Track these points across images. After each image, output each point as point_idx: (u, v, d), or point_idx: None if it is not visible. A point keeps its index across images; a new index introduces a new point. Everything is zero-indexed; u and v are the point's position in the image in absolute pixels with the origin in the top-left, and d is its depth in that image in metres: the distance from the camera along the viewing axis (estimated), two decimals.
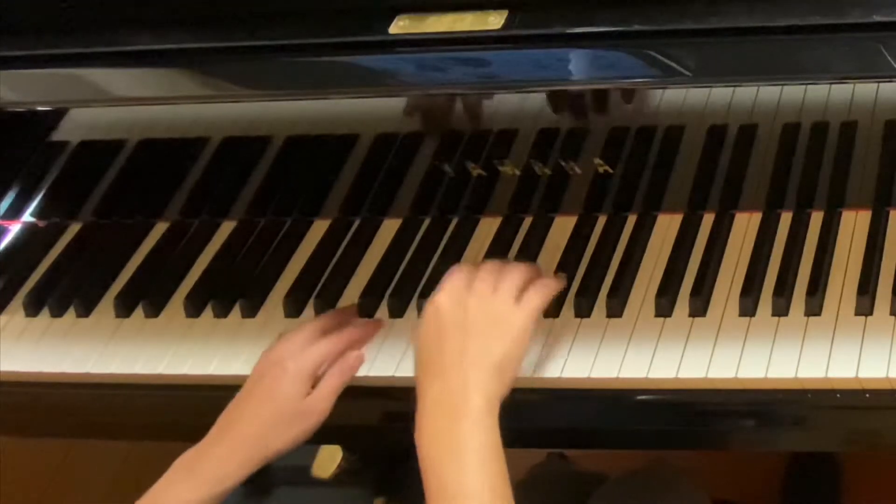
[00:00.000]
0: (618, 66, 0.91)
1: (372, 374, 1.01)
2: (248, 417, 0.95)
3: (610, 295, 1.03)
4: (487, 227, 1.13)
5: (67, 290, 1.14)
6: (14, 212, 1.21)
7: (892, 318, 0.97)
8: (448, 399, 0.88)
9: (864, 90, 1.00)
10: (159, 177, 1.19)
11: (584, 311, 1.03)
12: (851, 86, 1.00)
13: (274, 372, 0.96)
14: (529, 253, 1.09)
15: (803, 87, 1.01)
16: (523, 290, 0.94)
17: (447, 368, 0.89)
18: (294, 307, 1.08)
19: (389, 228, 1.14)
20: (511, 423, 0.93)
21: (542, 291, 0.95)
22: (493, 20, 0.90)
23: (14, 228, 1.22)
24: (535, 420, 1.02)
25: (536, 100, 1.07)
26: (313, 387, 0.97)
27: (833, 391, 0.95)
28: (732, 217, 1.09)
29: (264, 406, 0.95)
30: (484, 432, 0.86)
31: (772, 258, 1.04)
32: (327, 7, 0.94)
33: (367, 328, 1.04)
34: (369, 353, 1.02)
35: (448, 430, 0.86)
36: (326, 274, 1.11)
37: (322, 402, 0.96)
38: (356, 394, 1.01)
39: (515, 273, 0.95)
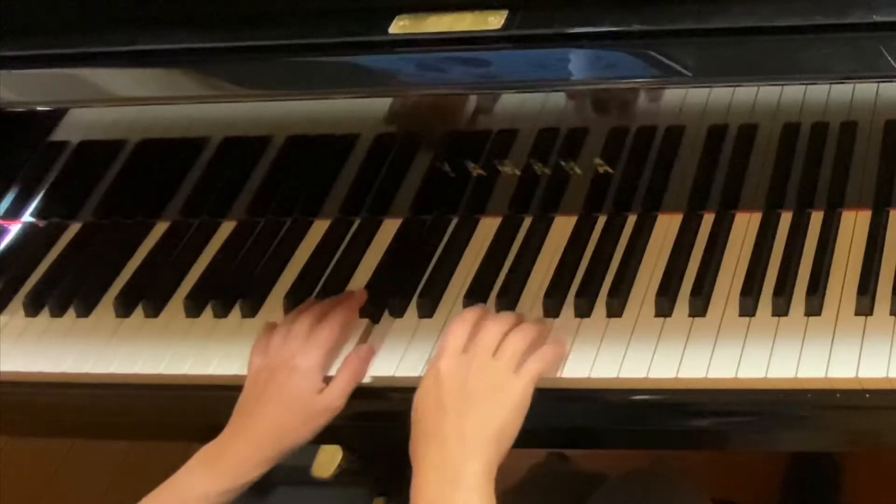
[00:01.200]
0: (618, 66, 0.91)
1: (372, 374, 1.01)
2: (265, 417, 0.97)
3: (610, 295, 1.03)
4: (487, 227, 1.13)
5: (67, 290, 1.14)
6: (14, 212, 1.21)
7: (892, 318, 0.97)
8: (445, 466, 0.88)
9: (864, 90, 1.00)
10: (159, 177, 1.19)
11: (584, 311, 1.03)
12: (851, 86, 1.00)
13: (283, 372, 0.98)
14: (529, 253, 1.09)
15: (803, 87, 1.01)
16: (525, 353, 0.95)
17: (446, 436, 0.89)
18: (294, 307, 1.08)
19: (389, 228, 1.14)
20: None
21: (543, 360, 0.95)
22: (493, 20, 0.90)
23: (14, 228, 1.22)
24: (536, 420, 1.02)
25: (536, 100, 1.07)
26: (325, 379, 0.99)
27: (833, 391, 0.95)
28: (732, 217, 1.09)
29: (284, 405, 0.97)
30: (480, 501, 0.87)
31: (772, 258, 1.04)
32: (327, 7, 0.94)
33: (352, 299, 1.06)
34: None
35: (444, 497, 0.87)
36: (326, 274, 1.11)
37: (337, 399, 0.99)
38: (356, 394, 1.01)
39: (517, 337, 0.95)
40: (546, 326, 1.00)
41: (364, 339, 1.04)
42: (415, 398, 0.93)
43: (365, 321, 1.06)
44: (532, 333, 0.97)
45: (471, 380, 0.92)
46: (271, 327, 1.03)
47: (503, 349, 0.94)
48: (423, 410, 0.92)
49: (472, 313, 0.98)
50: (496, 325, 0.96)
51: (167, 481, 0.95)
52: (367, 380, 1.01)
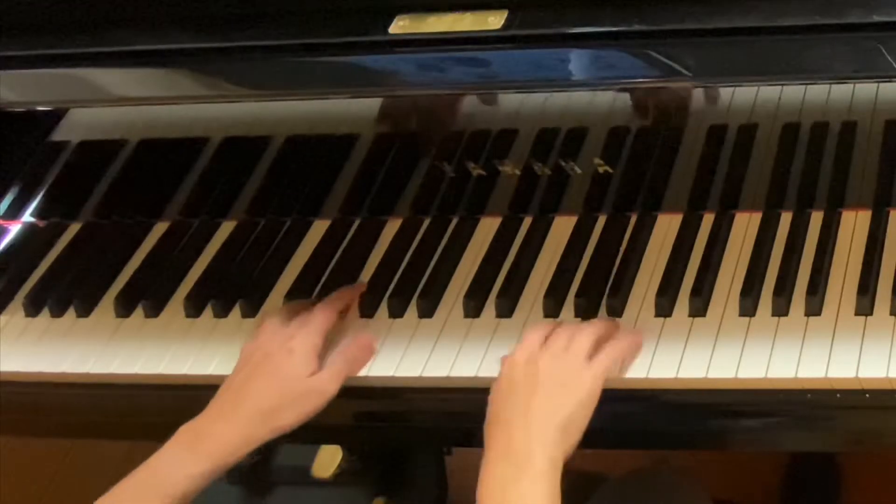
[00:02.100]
0: (618, 66, 0.91)
1: (372, 374, 1.01)
2: (254, 396, 0.96)
3: (610, 295, 1.03)
4: (487, 227, 1.13)
5: (67, 290, 1.14)
6: (14, 212, 1.21)
7: (892, 318, 0.97)
8: (511, 454, 0.88)
9: (864, 90, 1.00)
10: (159, 177, 1.19)
11: (584, 311, 1.03)
12: (851, 86, 1.00)
13: (279, 353, 0.97)
14: (529, 253, 1.09)
15: (803, 87, 1.01)
16: (597, 349, 0.95)
17: (513, 424, 0.90)
18: None
19: (389, 228, 1.14)
20: None
21: (615, 354, 0.96)
22: (493, 20, 0.90)
23: (14, 228, 1.22)
24: None
25: (536, 100, 1.07)
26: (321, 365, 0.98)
27: (833, 391, 0.95)
28: (732, 217, 1.09)
29: (272, 385, 0.96)
30: (543, 492, 0.87)
31: (772, 258, 1.04)
32: (327, 7, 0.94)
33: (351, 289, 1.07)
34: None
35: (508, 485, 0.87)
36: (326, 274, 1.11)
37: (330, 383, 0.98)
38: (356, 394, 1.01)
39: (590, 331, 0.96)
40: (617, 325, 1.00)
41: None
42: (492, 387, 0.93)
43: (365, 321, 1.06)
44: (603, 328, 0.97)
45: (541, 370, 0.92)
46: (268, 313, 1.04)
47: (574, 343, 0.95)
48: (495, 397, 0.92)
49: (550, 323, 0.98)
50: (569, 327, 0.97)
51: (145, 464, 0.92)
52: (366, 377, 1.01)
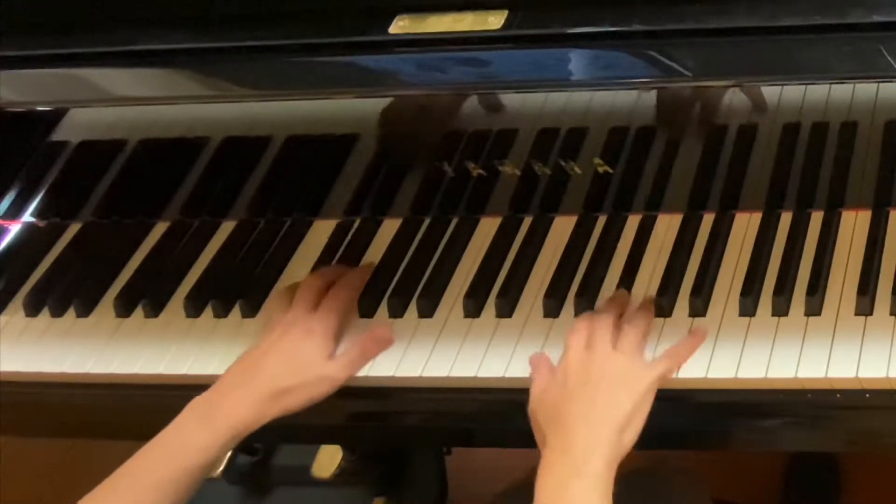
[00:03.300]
0: (618, 66, 0.91)
1: (372, 374, 1.01)
2: (269, 372, 0.95)
3: None
4: (487, 227, 1.13)
5: (67, 290, 1.14)
6: (14, 212, 1.21)
7: (892, 318, 0.97)
8: (571, 453, 0.88)
9: (864, 90, 1.00)
10: (159, 177, 1.19)
11: (584, 311, 1.03)
12: (851, 86, 1.00)
13: (298, 331, 0.97)
14: (529, 253, 1.09)
15: (803, 87, 1.01)
16: (642, 342, 0.96)
17: (573, 425, 0.89)
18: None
19: (389, 228, 1.14)
20: (512, 425, 0.93)
21: (675, 358, 0.96)
22: (493, 20, 0.90)
23: (14, 228, 1.22)
24: None
25: (536, 100, 1.07)
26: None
27: (833, 391, 0.95)
28: (732, 217, 1.09)
29: (288, 364, 0.96)
30: (598, 495, 0.87)
31: (772, 258, 1.04)
32: (327, 7, 0.94)
33: (360, 271, 1.07)
34: None
35: (565, 485, 0.87)
36: None
37: (343, 370, 0.98)
38: (356, 394, 1.01)
39: (633, 328, 0.97)
40: (650, 308, 1.00)
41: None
42: (532, 393, 0.93)
43: (365, 321, 1.06)
44: (643, 320, 0.98)
45: (595, 370, 0.92)
46: (288, 289, 1.04)
47: (622, 341, 0.95)
48: (547, 401, 0.92)
49: (585, 320, 0.98)
50: (606, 318, 0.97)
51: (159, 437, 0.92)
52: (366, 378, 1.01)
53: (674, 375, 0.96)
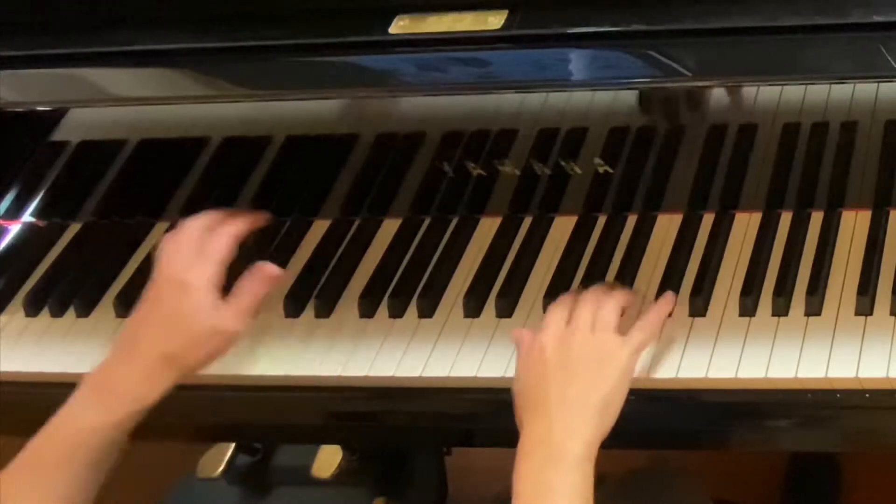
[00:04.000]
0: (618, 66, 0.91)
1: (372, 374, 1.01)
2: (156, 338, 0.90)
3: None
4: (487, 227, 1.13)
5: (67, 290, 1.14)
6: (14, 212, 1.21)
7: (892, 318, 0.97)
8: (549, 441, 0.87)
9: (864, 90, 1.00)
10: (159, 177, 1.19)
11: None
12: (851, 86, 1.00)
13: (174, 289, 0.91)
14: (529, 253, 1.09)
15: (803, 87, 1.01)
16: (624, 320, 0.94)
17: (550, 409, 0.88)
18: (294, 307, 1.08)
19: (389, 228, 1.14)
20: (512, 425, 0.93)
21: (646, 329, 0.94)
22: (493, 20, 0.90)
23: (14, 228, 1.22)
24: None
25: (536, 100, 1.07)
26: (225, 293, 0.93)
27: (833, 391, 0.95)
28: (732, 217, 1.09)
29: (174, 326, 0.91)
30: (578, 478, 0.86)
31: (772, 258, 1.04)
32: (327, 7, 0.94)
33: (252, 216, 0.99)
34: (369, 353, 1.02)
35: (543, 471, 0.86)
36: (326, 274, 1.11)
37: (233, 320, 0.93)
38: (356, 394, 1.01)
39: (613, 304, 0.94)
40: (637, 296, 0.99)
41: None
42: (516, 372, 0.92)
43: (365, 321, 1.06)
44: (624, 299, 0.96)
45: (574, 351, 0.90)
46: (167, 235, 0.96)
47: (601, 320, 0.93)
48: (527, 383, 0.91)
49: (566, 297, 0.96)
50: (590, 297, 0.95)
51: (55, 417, 0.89)
52: (366, 377, 1.01)
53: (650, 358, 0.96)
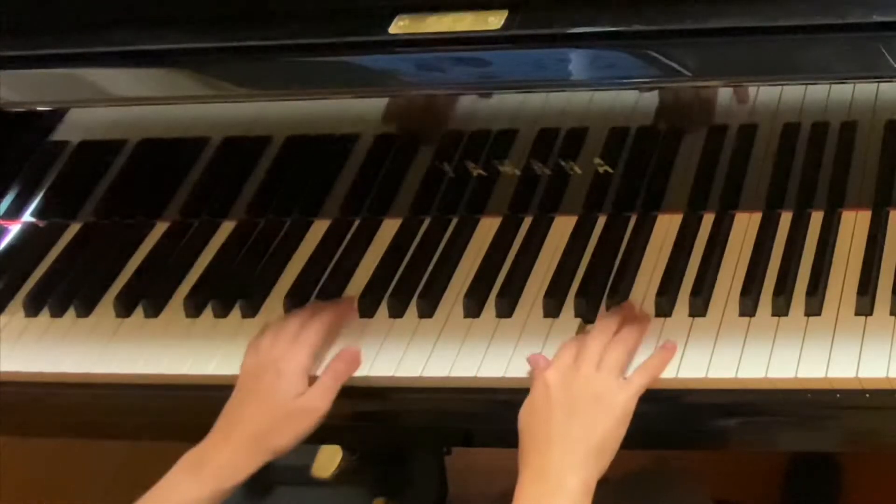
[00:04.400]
0: (618, 66, 0.91)
1: (372, 374, 1.01)
2: (248, 419, 0.96)
3: (610, 295, 1.03)
4: (487, 227, 1.13)
5: (67, 290, 1.14)
6: (14, 212, 1.21)
7: (892, 318, 0.97)
8: (547, 475, 0.89)
9: (864, 90, 1.00)
10: (159, 177, 1.19)
11: (584, 311, 1.03)
12: (851, 86, 1.00)
13: (269, 375, 0.98)
14: (529, 253, 1.09)
15: (803, 87, 1.01)
16: (627, 360, 0.96)
17: (549, 446, 0.90)
18: (294, 307, 1.08)
19: (389, 228, 1.14)
20: (512, 425, 0.93)
21: (648, 372, 0.96)
22: (493, 20, 0.90)
23: (14, 228, 1.22)
24: None
25: (536, 100, 1.07)
26: (311, 380, 0.99)
27: (833, 391, 0.95)
28: (732, 217, 1.09)
29: (264, 407, 0.97)
30: None
31: (772, 258, 1.04)
32: (327, 7, 0.94)
33: (342, 308, 1.06)
34: (369, 353, 1.03)
35: None
36: (326, 274, 1.11)
37: (319, 400, 0.98)
38: (356, 394, 1.01)
39: (618, 346, 0.96)
40: (645, 325, 1.00)
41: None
42: (522, 408, 0.94)
43: (365, 321, 1.06)
44: (633, 340, 0.97)
45: (576, 390, 0.93)
46: (267, 327, 1.04)
47: (606, 360, 0.95)
48: (530, 419, 0.93)
49: (583, 335, 0.98)
50: (599, 336, 0.97)
51: (152, 489, 0.94)
52: (366, 378, 1.01)
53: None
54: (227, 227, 1.18)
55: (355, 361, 1.02)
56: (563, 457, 0.89)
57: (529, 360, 0.98)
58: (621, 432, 0.92)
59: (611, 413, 0.92)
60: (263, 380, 0.98)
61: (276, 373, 0.98)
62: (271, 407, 0.97)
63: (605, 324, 0.99)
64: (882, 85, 0.99)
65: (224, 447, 0.95)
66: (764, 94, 1.03)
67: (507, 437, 0.92)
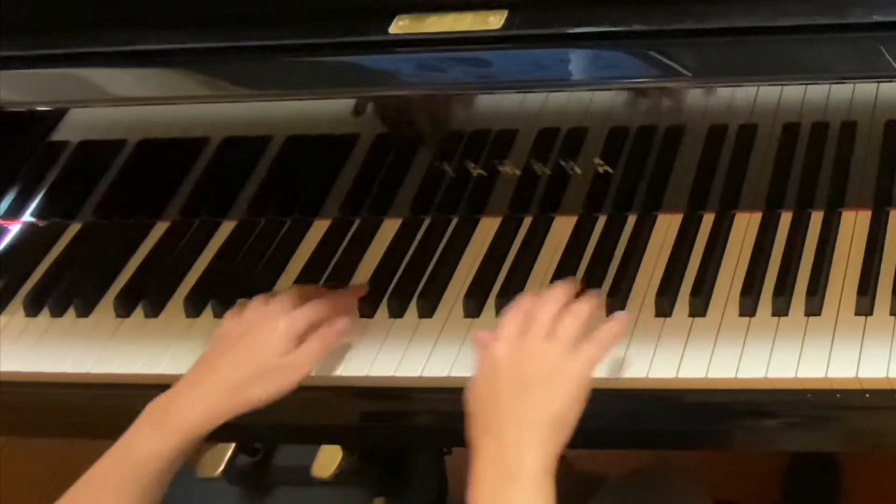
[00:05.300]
0: (618, 66, 0.91)
1: (372, 374, 1.01)
2: (226, 367, 0.94)
3: (610, 295, 1.03)
4: (487, 227, 1.13)
5: (67, 290, 1.14)
6: (14, 212, 1.21)
7: (892, 318, 0.97)
8: (502, 460, 0.84)
9: (864, 90, 1.00)
10: (159, 177, 1.19)
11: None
12: (851, 86, 1.00)
13: (263, 327, 0.96)
14: (529, 253, 1.09)
15: (803, 87, 1.01)
16: (580, 332, 0.91)
17: (502, 427, 0.85)
18: None
19: (389, 228, 1.14)
20: None
21: (599, 342, 0.91)
22: (493, 20, 0.90)
23: (14, 228, 1.22)
24: None
25: (536, 100, 1.07)
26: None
27: (833, 391, 0.95)
28: (732, 217, 1.09)
29: (245, 357, 0.95)
30: (537, 495, 0.83)
31: (772, 258, 1.04)
32: (327, 7, 0.94)
33: (350, 294, 1.05)
34: (369, 353, 1.03)
35: (501, 492, 0.83)
36: (326, 274, 1.11)
37: (304, 362, 0.96)
38: (356, 394, 1.01)
39: (570, 318, 0.91)
40: (599, 300, 0.96)
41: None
42: (469, 386, 0.89)
43: (365, 321, 1.06)
44: (585, 311, 0.92)
45: (526, 365, 0.88)
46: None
47: (556, 331, 0.90)
48: (479, 399, 0.88)
49: (526, 300, 0.93)
50: (548, 306, 0.92)
51: (117, 443, 0.92)
52: (366, 377, 1.01)
53: (624, 375, 0.95)
54: (227, 227, 1.18)
55: (344, 331, 1.00)
56: (520, 437, 0.84)
57: (474, 340, 0.93)
58: (577, 408, 0.87)
59: (565, 386, 0.87)
60: (254, 332, 0.96)
61: (271, 329, 0.95)
62: (255, 358, 0.94)
63: (554, 294, 0.93)
64: (882, 85, 0.99)
65: (192, 395, 0.93)
66: (764, 94, 1.03)
67: None
